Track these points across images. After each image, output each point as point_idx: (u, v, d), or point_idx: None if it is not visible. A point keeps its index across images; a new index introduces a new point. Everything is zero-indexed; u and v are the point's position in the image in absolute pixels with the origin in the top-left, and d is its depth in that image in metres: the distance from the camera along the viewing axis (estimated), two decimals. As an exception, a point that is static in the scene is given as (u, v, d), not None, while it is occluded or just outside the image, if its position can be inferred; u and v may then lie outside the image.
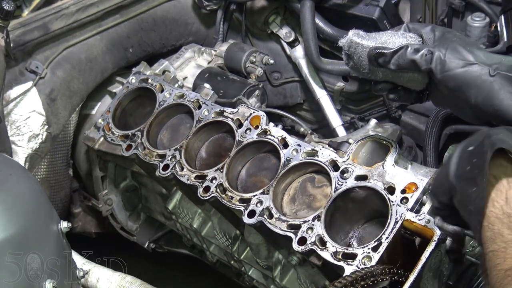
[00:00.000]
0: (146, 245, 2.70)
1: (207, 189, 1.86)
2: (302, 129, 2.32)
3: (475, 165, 1.09)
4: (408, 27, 1.42)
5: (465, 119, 1.39)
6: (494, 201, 1.07)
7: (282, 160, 1.81)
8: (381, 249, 1.52)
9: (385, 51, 1.35)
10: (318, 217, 1.65)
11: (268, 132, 1.89)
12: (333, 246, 1.59)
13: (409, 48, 1.33)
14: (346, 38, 1.44)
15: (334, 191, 1.68)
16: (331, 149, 1.83)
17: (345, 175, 1.70)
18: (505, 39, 2.06)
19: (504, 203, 1.06)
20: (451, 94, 1.33)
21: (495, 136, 1.09)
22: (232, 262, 2.26)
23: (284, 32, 2.57)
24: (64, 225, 1.57)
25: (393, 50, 1.34)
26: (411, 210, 1.56)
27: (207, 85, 2.22)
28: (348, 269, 1.53)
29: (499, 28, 2.09)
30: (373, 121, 2.18)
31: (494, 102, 1.26)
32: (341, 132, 2.42)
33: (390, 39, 1.38)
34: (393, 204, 1.57)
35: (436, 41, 1.36)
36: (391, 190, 1.61)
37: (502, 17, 2.07)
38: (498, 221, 1.05)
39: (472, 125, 2.15)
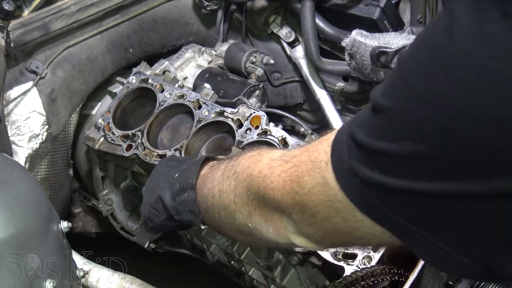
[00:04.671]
0: (146, 245, 2.69)
1: (207, 189, 1.86)
2: (302, 129, 2.32)
3: (182, 180, 1.41)
4: (412, 30, 1.42)
5: None
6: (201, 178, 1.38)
7: (282, 160, 1.80)
8: (381, 249, 1.52)
9: (387, 49, 1.35)
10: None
11: (268, 132, 1.89)
12: (333, 246, 1.59)
13: None
14: (350, 37, 1.44)
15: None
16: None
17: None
18: (505, 40, 2.05)
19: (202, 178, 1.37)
20: None
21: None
22: (232, 262, 2.26)
23: (284, 32, 2.57)
24: (64, 225, 1.57)
25: (395, 49, 1.34)
26: (411, 210, 1.56)
27: (207, 85, 2.22)
28: (348, 269, 1.53)
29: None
30: (373, 121, 2.17)
31: None
32: (341, 132, 2.41)
33: (394, 40, 1.37)
34: (393, 204, 1.57)
35: None
36: (391, 190, 1.61)
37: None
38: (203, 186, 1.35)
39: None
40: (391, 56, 1.34)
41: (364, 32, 1.42)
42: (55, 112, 2.33)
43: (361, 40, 1.40)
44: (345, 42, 1.44)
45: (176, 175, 1.46)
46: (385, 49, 1.34)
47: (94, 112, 2.56)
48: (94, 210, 2.66)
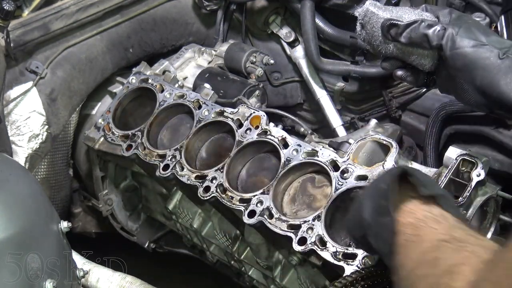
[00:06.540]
0: (146, 245, 2.70)
1: (207, 189, 1.86)
2: (302, 129, 2.32)
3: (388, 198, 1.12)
4: (426, 7, 1.42)
5: (467, 104, 1.39)
6: (403, 227, 1.09)
7: (282, 160, 1.81)
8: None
9: (398, 22, 1.35)
10: (318, 217, 1.65)
11: (268, 132, 1.89)
12: (333, 246, 1.59)
13: (423, 23, 1.33)
14: (363, 7, 1.45)
15: (335, 191, 1.68)
16: (331, 149, 1.83)
17: (345, 175, 1.70)
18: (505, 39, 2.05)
19: (413, 223, 1.08)
20: (458, 74, 1.33)
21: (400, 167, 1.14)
22: (232, 262, 2.26)
23: (284, 32, 2.57)
24: (64, 225, 1.57)
25: (406, 22, 1.35)
26: (411, 210, 1.56)
27: (207, 85, 2.22)
28: (348, 269, 1.53)
29: (499, 28, 2.08)
30: (373, 121, 2.18)
31: (499, 85, 1.26)
32: (341, 132, 2.42)
33: (406, 15, 1.38)
34: (393, 204, 1.57)
35: (451, 22, 1.36)
36: (391, 190, 1.61)
37: (502, 17, 2.06)
38: (409, 239, 1.07)
39: (472, 125, 2.16)
40: (401, 30, 1.34)
41: (378, 4, 1.44)
42: (55, 112, 2.33)
43: (374, 10, 1.41)
44: (358, 11, 1.45)
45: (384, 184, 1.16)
46: (396, 22, 1.35)
47: (94, 112, 2.56)
48: (94, 210, 2.66)
